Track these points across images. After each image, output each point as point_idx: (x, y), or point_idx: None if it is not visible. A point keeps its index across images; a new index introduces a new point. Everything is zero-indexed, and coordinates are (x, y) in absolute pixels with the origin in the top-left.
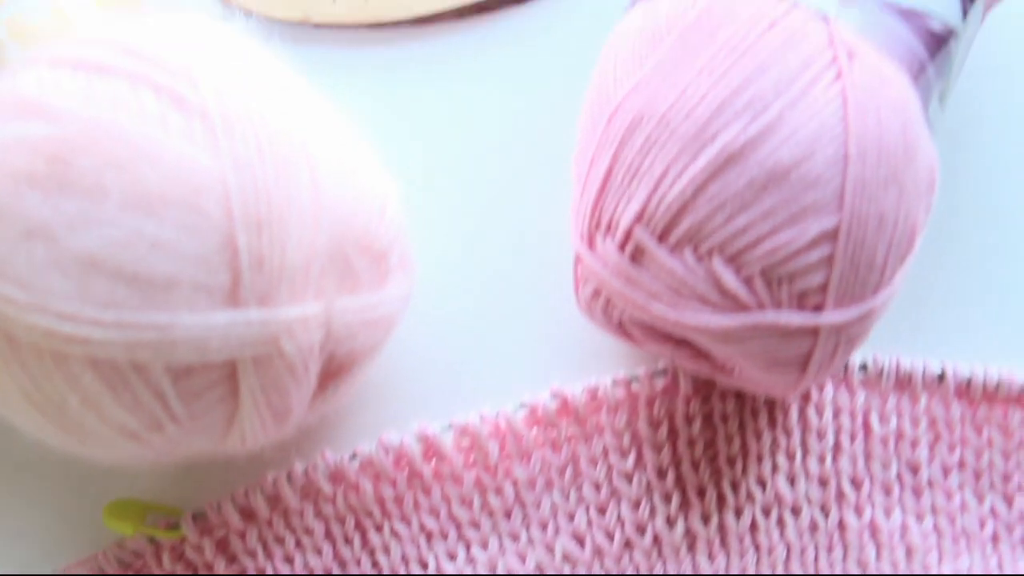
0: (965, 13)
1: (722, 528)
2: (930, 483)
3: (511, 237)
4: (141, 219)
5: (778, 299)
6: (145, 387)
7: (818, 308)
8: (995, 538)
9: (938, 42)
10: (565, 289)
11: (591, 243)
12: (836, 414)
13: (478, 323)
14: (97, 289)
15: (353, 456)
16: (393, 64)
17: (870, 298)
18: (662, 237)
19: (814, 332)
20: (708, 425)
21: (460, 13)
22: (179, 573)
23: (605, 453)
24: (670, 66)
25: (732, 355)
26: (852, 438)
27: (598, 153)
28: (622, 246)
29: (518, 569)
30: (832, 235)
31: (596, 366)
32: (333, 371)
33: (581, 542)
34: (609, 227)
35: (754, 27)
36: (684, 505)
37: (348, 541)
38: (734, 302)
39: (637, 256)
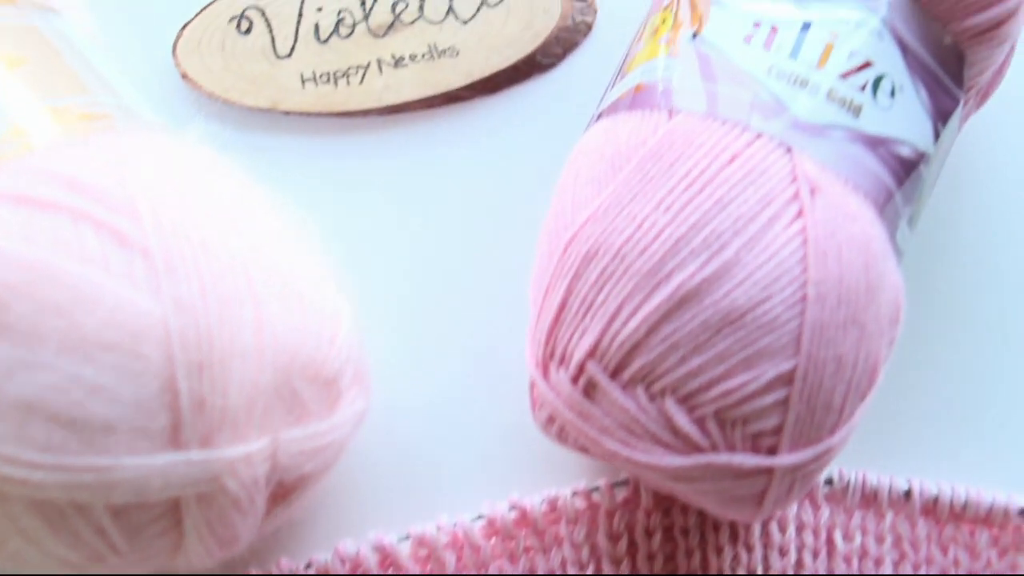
0: (937, 135)
1: None
2: None
3: (474, 341)
4: (79, 364)
5: (731, 441)
6: (86, 525)
7: (772, 450)
8: None
9: (908, 168)
10: (525, 399)
11: (545, 371)
12: (799, 530)
13: (437, 431)
14: (35, 433)
15: (308, 565)
16: (361, 153)
17: (827, 438)
18: (615, 374)
19: (768, 472)
20: (668, 539)
21: (429, 103)
22: None
23: (563, 565)
24: (627, 197)
25: (685, 492)
26: (815, 555)
27: (553, 281)
28: (575, 379)
29: None
30: (788, 379)
31: (556, 476)
32: (282, 494)
33: None
34: (562, 359)
35: (715, 160)
36: None
37: None
38: (687, 442)
39: (590, 391)
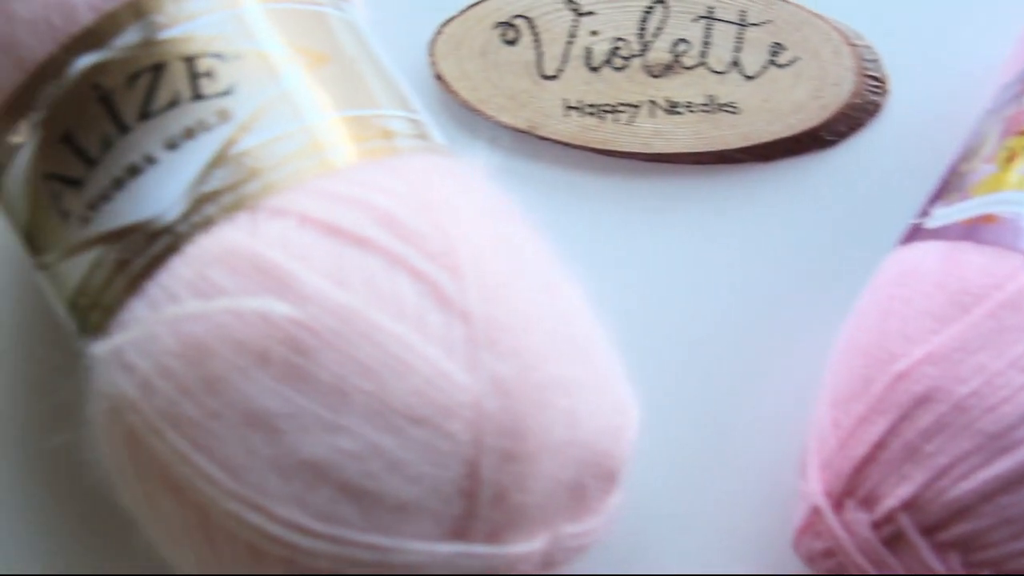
0: None
1: None
2: None
3: (724, 421)
4: (381, 435)
5: None
6: None
7: None
8: None
9: None
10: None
11: (838, 505)
12: None
13: (676, 513)
14: (318, 500)
15: None
16: (620, 198)
17: None
18: (929, 532)
19: None
20: None
21: (698, 158)
22: None
23: None
24: (975, 343)
25: None
26: None
27: (871, 413)
28: (878, 525)
29: None
30: None
31: None
32: None
33: None
34: (867, 500)
35: None
36: None
37: None
38: None
39: (893, 542)
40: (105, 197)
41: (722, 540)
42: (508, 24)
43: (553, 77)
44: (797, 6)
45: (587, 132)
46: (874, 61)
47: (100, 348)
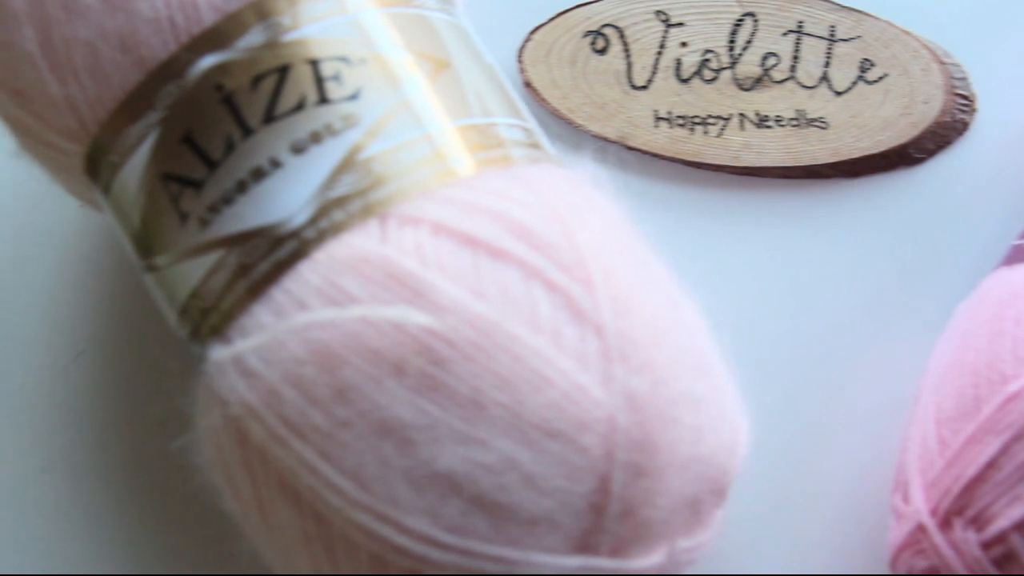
0: None
1: None
2: None
3: (813, 440)
4: (518, 448)
5: None
6: None
7: None
8: None
9: None
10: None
11: (945, 524)
12: None
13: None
14: (450, 512)
15: None
16: (708, 211)
17: None
18: None
19: None
20: None
21: (787, 173)
22: None
23: None
24: None
25: None
26: None
27: (981, 433)
28: (988, 545)
29: None
30: None
31: None
32: None
33: None
34: (976, 520)
35: None
36: None
37: None
38: None
39: (1003, 561)
40: (227, 200)
41: (810, 553)
42: (598, 33)
43: (643, 87)
44: (887, 23)
45: (677, 144)
46: (962, 79)
47: (219, 354)
